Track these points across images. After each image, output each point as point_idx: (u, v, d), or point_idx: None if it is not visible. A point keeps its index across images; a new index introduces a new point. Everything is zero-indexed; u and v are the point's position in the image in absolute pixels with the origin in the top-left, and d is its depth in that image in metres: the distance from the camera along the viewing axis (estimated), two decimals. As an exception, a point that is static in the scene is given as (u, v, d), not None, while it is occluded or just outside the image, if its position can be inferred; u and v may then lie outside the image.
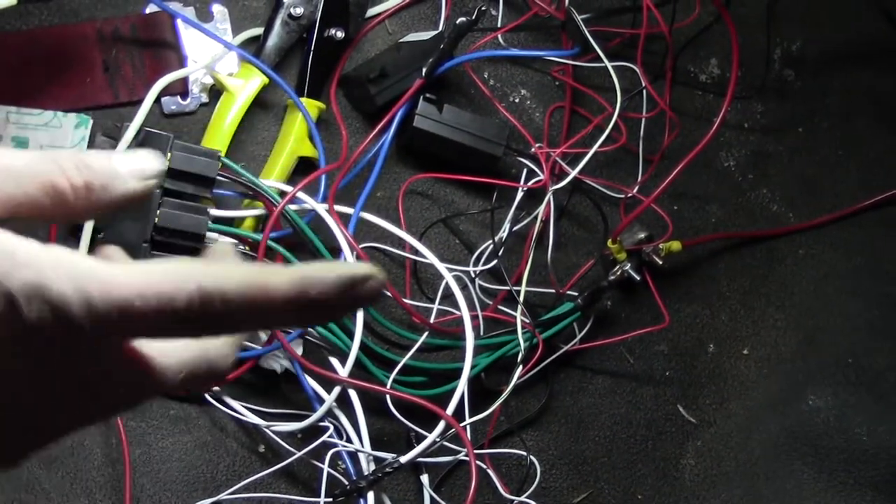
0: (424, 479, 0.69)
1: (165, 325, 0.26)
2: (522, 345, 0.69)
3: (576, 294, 0.73)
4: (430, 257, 0.67)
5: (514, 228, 0.74)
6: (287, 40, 0.69)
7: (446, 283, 0.67)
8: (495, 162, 0.73)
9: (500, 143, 0.72)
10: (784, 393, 0.77)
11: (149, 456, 0.65)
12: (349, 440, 0.66)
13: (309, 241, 0.64)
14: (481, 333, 0.71)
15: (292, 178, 0.68)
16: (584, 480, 0.75)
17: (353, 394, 0.65)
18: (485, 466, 0.71)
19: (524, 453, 0.73)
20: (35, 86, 0.64)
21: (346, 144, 0.69)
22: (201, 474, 0.66)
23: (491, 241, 0.73)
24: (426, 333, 0.68)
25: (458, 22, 0.67)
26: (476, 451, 0.66)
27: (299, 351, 0.64)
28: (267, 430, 0.66)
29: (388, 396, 0.65)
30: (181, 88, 0.67)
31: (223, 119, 0.66)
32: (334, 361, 0.65)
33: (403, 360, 0.66)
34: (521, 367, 0.69)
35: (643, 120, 0.78)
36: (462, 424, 0.65)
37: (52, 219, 0.29)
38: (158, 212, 0.59)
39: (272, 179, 0.66)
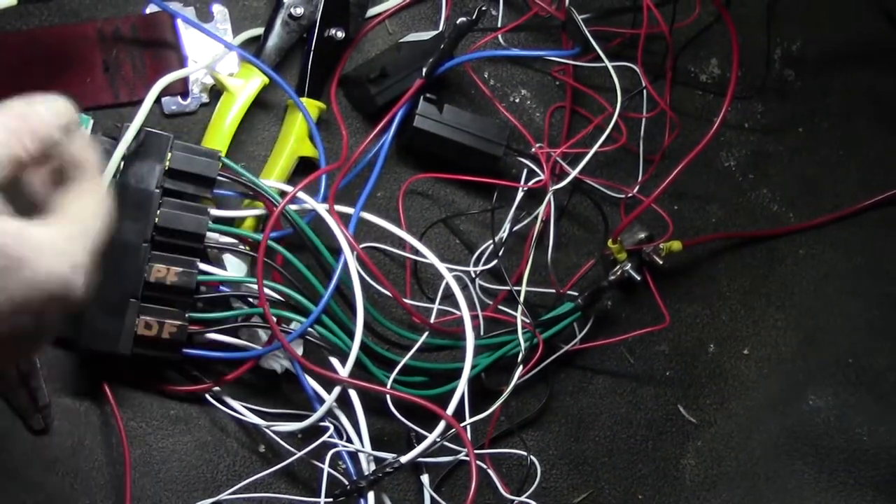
0: (425, 479, 0.70)
1: None
2: (523, 345, 0.69)
3: (576, 294, 0.73)
4: (431, 257, 0.67)
5: (515, 228, 0.74)
6: (287, 40, 0.69)
7: (446, 283, 0.67)
8: (496, 162, 0.73)
9: (500, 143, 0.72)
10: (784, 393, 0.77)
11: (149, 456, 0.65)
12: (349, 440, 0.66)
13: (309, 241, 0.64)
14: (481, 333, 0.71)
15: (293, 178, 0.68)
16: (585, 480, 0.75)
17: (353, 394, 0.65)
18: (485, 466, 0.71)
19: (524, 453, 0.73)
20: (35, 86, 0.63)
21: (346, 144, 0.69)
22: (201, 474, 0.66)
23: (491, 241, 0.73)
24: (426, 333, 0.68)
25: (458, 22, 0.67)
26: (476, 451, 0.66)
27: (299, 351, 0.64)
28: (267, 430, 0.66)
29: (388, 396, 0.65)
30: (181, 88, 0.67)
31: (223, 119, 0.66)
32: (334, 361, 0.65)
33: (404, 360, 0.66)
34: (521, 367, 0.69)
35: (643, 120, 0.78)
36: (462, 424, 0.65)
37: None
38: (159, 212, 0.59)
39: (272, 179, 0.66)
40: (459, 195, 0.75)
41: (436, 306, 0.71)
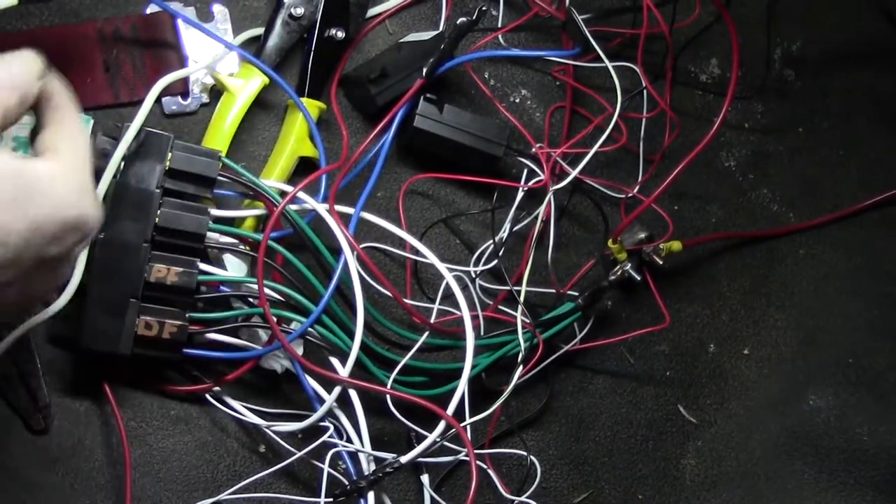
0: (425, 479, 0.70)
1: None
2: (523, 345, 0.69)
3: (576, 294, 0.73)
4: (431, 257, 0.67)
5: (515, 228, 0.74)
6: (287, 40, 0.69)
7: (447, 283, 0.67)
8: (496, 162, 0.73)
9: (500, 143, 0.72)
10: (784, 393, 0.77)
11: (149, 456, 0.65)
12: (349, 440, 0.66)
13: (309, 241, 0.64)
14: (482, 333, 0.71)
15: (293, 179, 0.68)
16: (585, 480, 0.75)
17: (353, 394, 0.65)
18: (485, 466, 0.71)
19: (524, 453, 0.73)
20: (35, 86, 0.64)
21: (346, 144, 0.69)
22: (201, 474, 0.66)
23: (491, 241, 0.73)
24: (426, 333, 0.68)
25: (458, 22, 0.67)
26: (476, 451, 0.66)
27: (299, 351, 0.64)
28: (267, 430, 0.66)
29: (388, 396, 0.65)
30: (182, 88, 0.67)
31: (224, 119, 0.66)
32: (334, 361, 0.65)
33: (404, 360, 0.66)
34: (521, 367, 0.69)
35: (643, 120, 0.78)
36: (462, 424, 0.65)
37: None
38: (159, 212, 0.59)
39: (273, 179, 0.66)
40: (459, 195, 0.75)
41: (436, 306, 0.71)
